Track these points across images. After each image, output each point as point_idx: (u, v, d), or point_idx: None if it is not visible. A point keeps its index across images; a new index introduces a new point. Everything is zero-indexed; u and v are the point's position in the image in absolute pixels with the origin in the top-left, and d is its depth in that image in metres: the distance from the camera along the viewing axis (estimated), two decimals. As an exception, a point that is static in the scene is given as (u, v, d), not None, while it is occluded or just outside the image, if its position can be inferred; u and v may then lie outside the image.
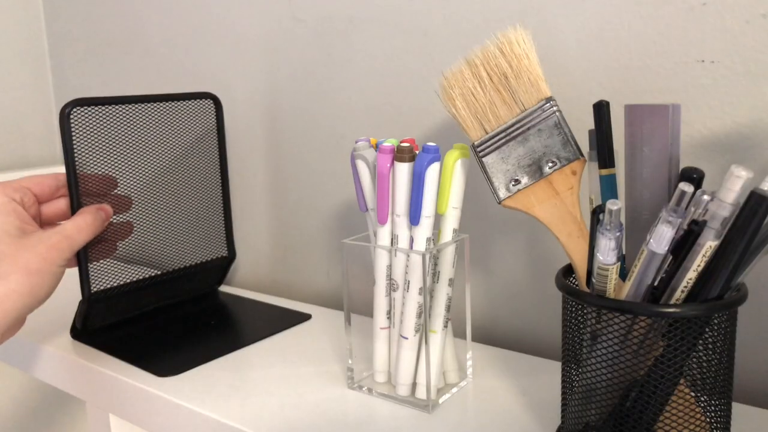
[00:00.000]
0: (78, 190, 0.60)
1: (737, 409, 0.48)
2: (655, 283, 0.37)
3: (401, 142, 0.50)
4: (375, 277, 0.53)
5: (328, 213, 0.77)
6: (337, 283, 0.78)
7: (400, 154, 0.49)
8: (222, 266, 0.80)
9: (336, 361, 0.60)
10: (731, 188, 0.34)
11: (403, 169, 0.49)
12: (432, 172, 0.48)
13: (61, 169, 0.96)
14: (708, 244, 0.35)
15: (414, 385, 0.52)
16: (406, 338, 0.51)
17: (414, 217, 0.49)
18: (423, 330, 0.51)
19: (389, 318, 0.53)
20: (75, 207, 0.60)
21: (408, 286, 0.50)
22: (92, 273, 0.64)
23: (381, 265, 0.52)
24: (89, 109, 0.64)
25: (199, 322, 0.71)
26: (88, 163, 0.64)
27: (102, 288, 0.66)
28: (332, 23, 0.72)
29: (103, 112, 0.66)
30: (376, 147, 0.51)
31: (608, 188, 0.42)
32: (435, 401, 0.51)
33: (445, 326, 0.52)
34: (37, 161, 1.09)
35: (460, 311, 0.55)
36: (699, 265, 0.36)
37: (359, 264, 0.54)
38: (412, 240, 0.50)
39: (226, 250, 0.79)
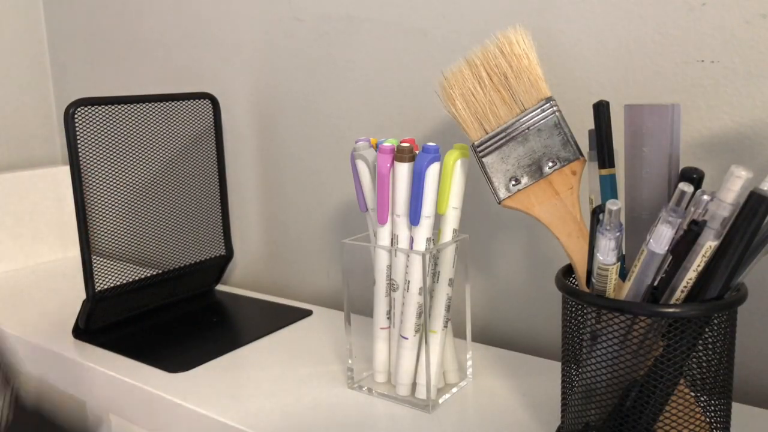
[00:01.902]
0: (82, 187, 0.61)
1: (737, 409, 0.48)
2: (655, 283, 0.37)
3: (401, 142, 0.50)
4: (375, 277, 0.53)
5: (328, 213, 0.77)
6: (337, 283, 0.78)
7: (400, 154, 0.49)
8: (219, 265, 0.80)
9: (336, 361, 0.60)
10: (731, 188, 0.34)
11: (403, 169, 0.49)
12: (432, 172, 0.48)
13: (62, 169, 0.97)
14: (708, 244, 0.35)
15: (414, 385, 0.52)
16: (406, 338, 0.51)
17: (414, 218, 0.49)
18: (423, 330, 0.51)
19: (389, 318, 0.53)
20: (79, 205, 0.60)
21: (408, 286, 0.50)
22: (96, 272, 0.65)
23: (381, 265, 0.52)
24: (92, 108, 0.65)
25: (200, 320, 0.71)
26: (91, 162, 0.65)
27: (105, 287, 0.66)
28: (332, 23, 0.72)
29: (106, 111, 0.67)
30: (376, 147, 0.51)
31: (608, 188, 0.42)
32: (435, 401, 0.51)
33: (445, 326, 0.52)
34: (38, 161, 1.09)
35: (460, 311, 0.55)
36: (699, 265, 0.36)
37: (359, 264, 0.54)
38: (412, 240, 0.50)
39: (223, 248, 0.80)
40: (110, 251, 0.69)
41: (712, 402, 0.38)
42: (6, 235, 0.94)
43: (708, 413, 0.38)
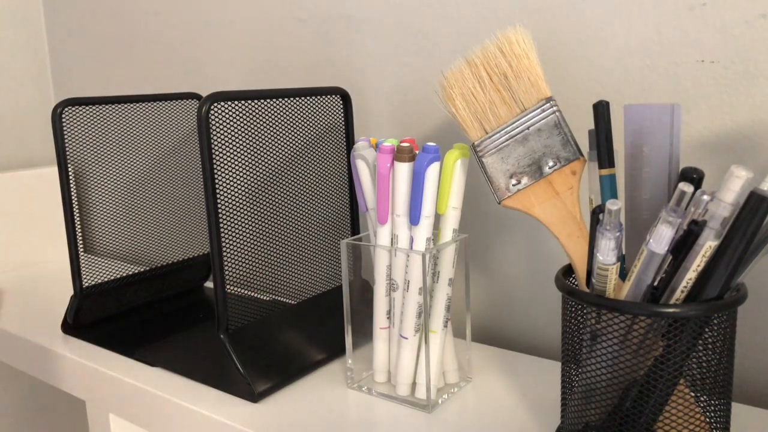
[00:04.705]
0: (69, 187, 0.62)
1: (737, 409, 0.48)
2: (655, 283, 0.37)
3: (401, 142, 0.50)
4: (375, 277, 0.53)
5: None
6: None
7: (400, 154, 0.49)
8: (207, 262, 0.80)
9: (336, 361, 0.60)
10: (731, 188, 0.34)
11: (403, 169, 0.49)
12: (432, 172, 0.48)
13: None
14: (708, 244, 0.35)
15: (414, 384, 0.52)
16: (406, 338, 0.51)
17: (414, 217, 0.49)
18: (423, 330, 0.51)
19: (389, 318, 0.53)
20: (66, 202, 0.61)
21: (408, 286, 0.50)
22: (83, 268, 0.65)
23: (381, 265, 0.52)
24: (81, 108, 0.66)
25: (189, 317, 0.72)
26: (80, 161, 0.65)
27: (93, 283, 0.67)
28: (332, 23, 0.72)
29: (95, 111, 0.67)
30: (376, 147, 0.51)
31: (608, 188, 0.42)
32: (435, 401, 0.51)
33: (445, 326, 0.52)
34: (39, 161, 1.09)
35: (460, 311, 0.55)
36: (699, 265, 0.36)
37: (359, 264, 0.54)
38: (412, 240, 0.50)
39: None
40: (101, 249, 0.70)
41: (712, 402, 0.38)
42: (6, 235, 0.94)
43: (708, 413, 0.38)
